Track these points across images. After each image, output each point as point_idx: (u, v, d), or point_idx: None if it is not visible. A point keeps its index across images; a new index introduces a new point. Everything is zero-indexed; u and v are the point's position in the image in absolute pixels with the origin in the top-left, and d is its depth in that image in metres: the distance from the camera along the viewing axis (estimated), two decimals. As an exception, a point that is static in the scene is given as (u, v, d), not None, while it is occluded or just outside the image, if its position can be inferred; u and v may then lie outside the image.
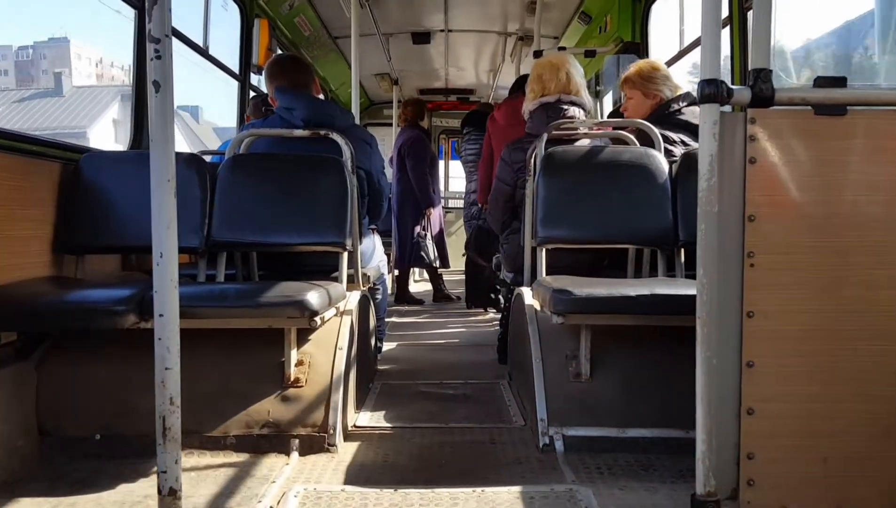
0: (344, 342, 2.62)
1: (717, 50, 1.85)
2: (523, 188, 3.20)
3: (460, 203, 10.46)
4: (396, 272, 6.72)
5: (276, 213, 2.87)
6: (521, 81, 4.52)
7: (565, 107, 3.25)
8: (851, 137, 1.91)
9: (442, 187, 9.41)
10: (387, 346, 4.38)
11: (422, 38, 6.59)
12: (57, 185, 2.79)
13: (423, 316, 6.13)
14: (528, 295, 2.87)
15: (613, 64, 5.64)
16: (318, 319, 2.33)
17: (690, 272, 2.84)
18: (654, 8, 5.06)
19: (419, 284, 8.36)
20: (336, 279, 2.88)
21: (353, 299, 2.91)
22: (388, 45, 6.50)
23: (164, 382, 1.56)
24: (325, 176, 2.91)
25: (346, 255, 2.93)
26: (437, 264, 6.58)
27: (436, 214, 6.59)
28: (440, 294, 6.91)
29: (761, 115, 1.90)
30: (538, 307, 2.73)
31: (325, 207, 2.88)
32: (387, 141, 8.20)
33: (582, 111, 3.27)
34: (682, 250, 2.92)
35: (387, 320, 4.79)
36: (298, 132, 3.02)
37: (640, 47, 5.11)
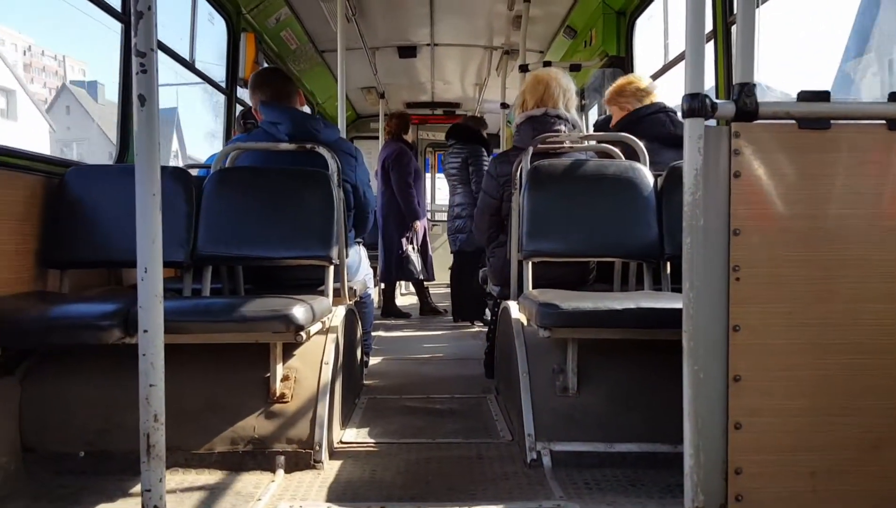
0: (330, 356, 2.60)
1: (701, 64, 1.87)
2: (509, 201, 3.21)
3: (446, 216, 10.50)
4: (382, 286, 6.69)
5: (261, 226, 2.86)
6: None
7: (552, 121, 3.27)
8: (835, 151, 1.93)
9: (428, 201, 9.41)
10: (373, 360, 4.35)
11: (408, 51, 6.61)
12: (41, 199, 2.76)
13: (409, 330, 6.11)
14: (514, 309, 2.86)
15: (599, 78, 5.71)
16: (303, 333, 2.31)
17: (676, 285, 2.84)
18: (639, 22, 5.12)
19: (405, 297, 8.34)
20: (322, 293, 2.87)
21: (339, 313, 2.89)
22: (374, 58, 6.52)
23: (149, 399, 1.54)
24: (310, 190, 2.90)
25: (332, 269, 2.91)
26: (423, 277, 6.57)
27: (421, 227, 6.58)
28: (427, 307, 6.89)
29: (745, 129, 1.91)
30: (525, 321, 2.73)
31: (311, 220, 2.86)
32: (373, 154, 8.19)
33: (568, 126, 3.29)
34: (668, 264, 2.93)
35: (373, 334, 4.76)
36: (284, 146, 3.01)
37: (624, 61, 5.16)
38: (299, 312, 2.29)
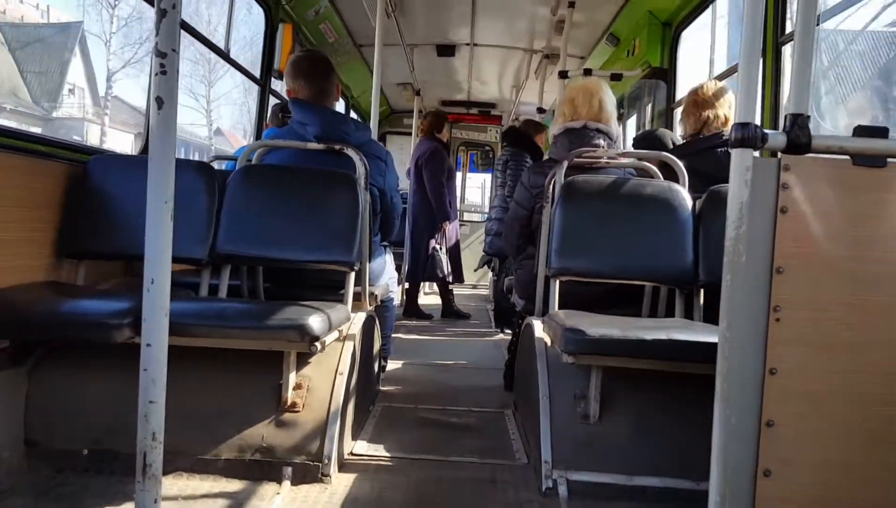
0: (345, 367, 2.52)
1: (754, 92, 1.75)
2: (540, 214, 3.10)
3: (475, 217, 10.41)
4: (407, 285, 6.62)
5: (284, 227, 2.79)
6: None
7: (591, 134, 3.15)
8: (890, 191, 1.80)
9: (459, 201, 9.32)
10: (391, 365, 4.29)
11: (446, 50, 6.53)
12: (63, 186, 2.73)
13: (430, 333, 6.01)
14: (538, 327, 2.76)
15: (640, 88, 5.56)
16: (318, 344, 2.24)
17: (709, 315, 2.74)
18: (684, 35, 4.96)
19: (428, 296, 8.25)
20: (342, 298, 2.80)
21: (357, 321, 2.81)
22: (411, 55, 6.44)
23: (147, 416, 1.47)
24: (336, 192, 2.83)
25: (353, 275, 2.83)
26: (451, 278, 6.46)
27: (452, 227, 6.48)
28: (450, 310, 6.79)
29: (796, 162, 1.79)
30: (548, 342, 2.63)
31: (335, 224, 2.79)
32: (405, 150, 8.13)
33: (608, 140, 3.17)
34: (702, 291, 2.80)
35: (394, 335, 4.69)
36: (313, 145, 2.94)
37: (667, 73, 5.01)
38: (315, 322, 2.21)
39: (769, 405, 1.75)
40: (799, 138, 1.77)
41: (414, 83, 7.22)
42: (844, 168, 1.80)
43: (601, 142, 3.15)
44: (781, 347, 1.76)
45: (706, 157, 3.15)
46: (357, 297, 2.95)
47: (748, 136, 1.72)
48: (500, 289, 5.79)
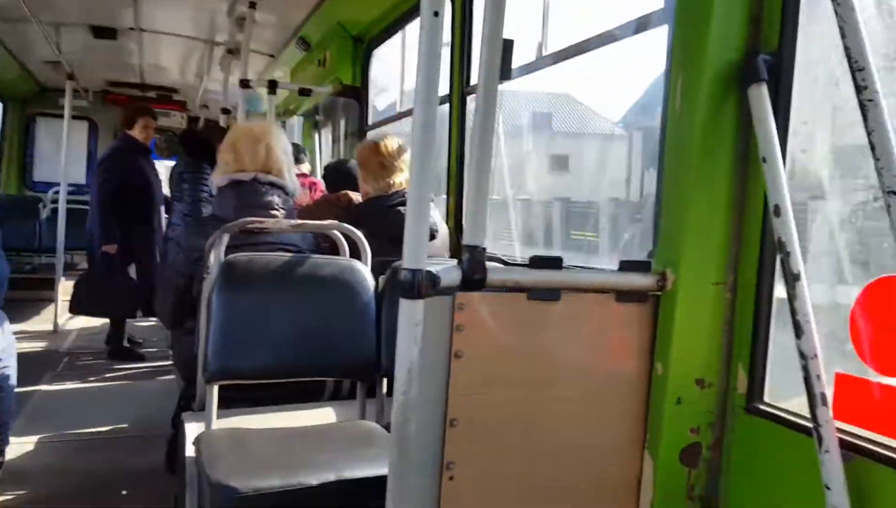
0: None
1: (425, 232, 1.47)
2: (200, 283, 2.56)
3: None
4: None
5: None
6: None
7: (264, 189, 2.68)
8: (565, 326, 1.71)
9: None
10: (20, 447, 3.36)
11: (105, 32, 5.44)
12: None
13: (93, 377, 4.88)
14: (190, 444, 2.22)
15: (334, 102, 5.22)
16: None
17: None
18: (378, 53, 4.71)
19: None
20: None
21: None
22: (58, 36, 5.24)
23: None
24: None
25: None
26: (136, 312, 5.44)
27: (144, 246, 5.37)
28: (119, 349, 5.44)
29: (470, 301, 1.59)
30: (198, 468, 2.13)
31: None
32: (61, 136, 6.56)
33: (284, 195, 2.73)
34: (385, 380, 2.54)
35: (43, 387, 3.75)
36: None
37: (359, 93, 4.73)
38: None
39: None
40: (475, 273, 1.56)
41: (65, 65, 5.90)
42: (519, 303, 1.65)
43: (275, 198, 2.70)
44: None
45: (388, 217, 2.89)
46: None
47: (419, 283, 1.44)
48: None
